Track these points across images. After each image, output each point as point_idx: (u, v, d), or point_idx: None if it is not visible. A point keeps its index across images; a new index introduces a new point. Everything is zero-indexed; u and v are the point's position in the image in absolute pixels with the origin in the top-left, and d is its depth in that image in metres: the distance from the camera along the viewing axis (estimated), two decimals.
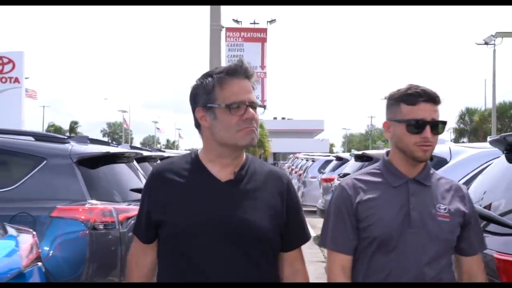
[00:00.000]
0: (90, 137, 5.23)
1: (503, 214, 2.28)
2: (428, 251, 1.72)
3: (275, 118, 57.92)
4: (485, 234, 1.98)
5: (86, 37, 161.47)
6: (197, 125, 1.67)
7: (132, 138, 68.63)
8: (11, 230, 2.20)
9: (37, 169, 3.70)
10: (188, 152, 1.74)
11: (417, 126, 1.71)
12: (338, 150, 71.65)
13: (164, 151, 10.25)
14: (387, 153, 1.87)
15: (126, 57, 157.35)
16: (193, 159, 1.66)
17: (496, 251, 2.03)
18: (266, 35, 9.93)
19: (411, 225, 1.72)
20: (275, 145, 41.75)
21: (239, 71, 1.58)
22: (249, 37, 9.90)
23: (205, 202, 1.57)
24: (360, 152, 7.59)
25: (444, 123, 1.75)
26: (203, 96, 1.59)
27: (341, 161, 9.76)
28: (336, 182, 6.07)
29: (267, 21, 27.54)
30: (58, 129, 55.11)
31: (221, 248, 1.54)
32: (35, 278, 2.11)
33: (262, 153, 34.93)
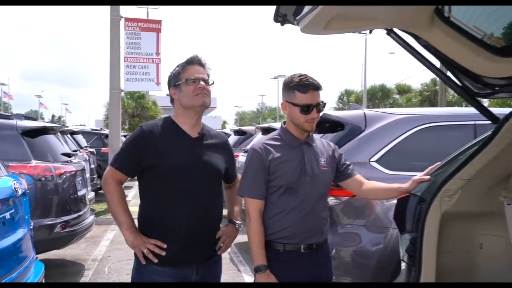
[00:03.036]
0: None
1: None
2: (318, 191, 2.36)
3: (168, 95, 58.22)
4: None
5: None
6: (171, 101, 2.33)
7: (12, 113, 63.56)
8: (9, 172, 3.68)
9: None
10: (164, 117, 2.38)
11: (307, 109, 2.27)
12: (231, 127, 73.67)
13: (67, 126, 11.37)
14: (284, 123, 2.44)
15: None
16: (170, 122, 2.30)
17: None
18: (161, 25, 11.28)
19: (306, 174, 2.34)
20: None
21: (194, 61, 2.29)
22: (146, 27, 11.07)
23: (186, 151, 2.24)
24: (237, 128, 9.63)
25: (325, 104, 2.34)
26: (173, 80, 2.30)
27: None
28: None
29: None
30: None
31: (200, 180, 2.24)
32: (27, 198, 3.65)
33: None
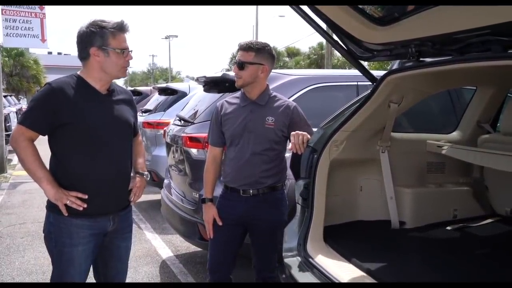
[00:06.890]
0: None
1: (192, 117, 4.39)
2: (257, 146, 2.63)
3: (50, 53, 54.19)
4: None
5: None
6: (83, 57, 2.26)
7: None
8: None
9: None
10: (70, 75, 2.31)
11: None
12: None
13: None
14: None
15: None
16: (80, 80, 2.27)
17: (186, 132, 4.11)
18: None
19: (247, 130, 2.65)
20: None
21: (125, 29, 2.27)
22: None
23: (100, 107, 2.29)
24: (133, 89, 9.45)
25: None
26: (99, 40, 2.21)
27: None
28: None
29: None
30: None
31: (115, 134, 2.31)
32: None
33: (38, 89, 33.17)
